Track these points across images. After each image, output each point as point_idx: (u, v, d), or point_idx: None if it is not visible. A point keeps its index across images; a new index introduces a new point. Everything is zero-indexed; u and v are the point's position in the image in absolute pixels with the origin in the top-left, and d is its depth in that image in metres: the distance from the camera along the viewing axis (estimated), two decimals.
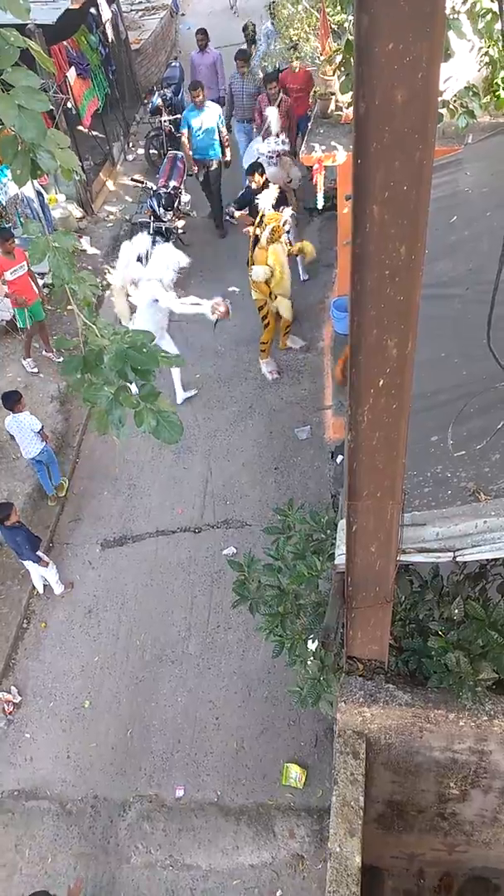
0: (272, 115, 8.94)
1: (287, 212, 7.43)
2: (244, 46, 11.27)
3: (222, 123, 9.82)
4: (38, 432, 6.75)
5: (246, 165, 9.92)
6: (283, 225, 7.31)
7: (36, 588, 6.77)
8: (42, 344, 8.69)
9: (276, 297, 7.70)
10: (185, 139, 9.86)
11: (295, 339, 8.66)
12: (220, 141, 9.84)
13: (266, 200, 7.47)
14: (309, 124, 8.02)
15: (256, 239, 7.60)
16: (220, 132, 9.77)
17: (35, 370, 8.49)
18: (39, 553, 6.33)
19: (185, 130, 9.79)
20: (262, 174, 7.97)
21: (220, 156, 9.97)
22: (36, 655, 6.43)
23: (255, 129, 10.23)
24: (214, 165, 10.01)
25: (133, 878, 5.20)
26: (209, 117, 9.60)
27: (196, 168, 10.05)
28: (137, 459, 7.84)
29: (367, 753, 3.63)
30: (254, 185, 7.95)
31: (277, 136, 8.98)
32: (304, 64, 9.76)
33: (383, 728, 3.57)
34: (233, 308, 8.91)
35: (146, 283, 7.10)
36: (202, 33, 10.89)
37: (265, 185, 7.80)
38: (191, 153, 9.92)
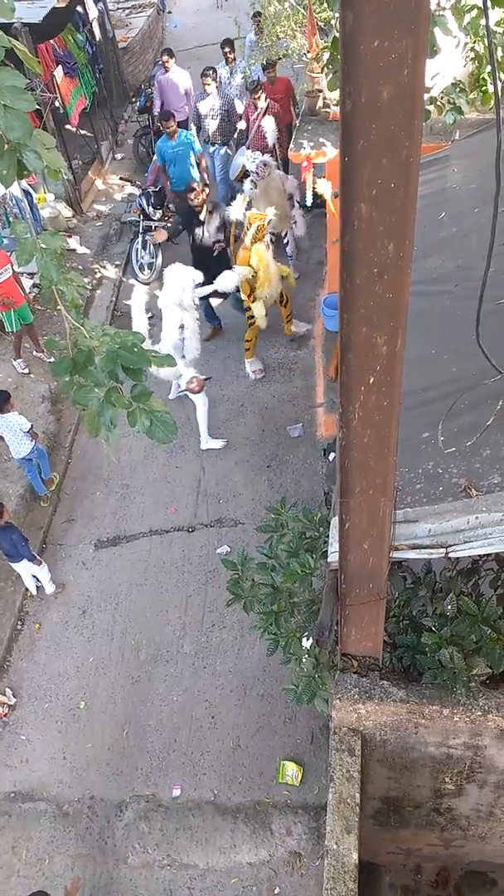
0: (268, 125, 8.73)
1: (270, 211, 7.39)
2: (228, 48, 10.53)
3: (197, 150, 9.47)
4: (28, 432, 6.73)
5: (234, 177, 9.82)
6: (267, 224, 7.27)
7: (29, 590, 6.75)
8: (32, 344, 8.66)
9: (254, 301, 7.64)
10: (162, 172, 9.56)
11: (299, 324, 8.62)
12: (199, 168, 9.50)
13: (235, 212, 7.48)
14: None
15: (236, 239, 7.58)
16: (196, 161, 9.43)
17: (26, 371, 8.46)
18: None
19: (160, 164, 9.43)
20: (202, 189, 7.83)
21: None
22: (30, 657, 6.41)
23: (230, 149, 10.02)
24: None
25: (131, 878, 5.20)
26: (184, 148, 9.22)
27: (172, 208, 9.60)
28: (130, 459, 7.82)
29: (363, 750, 3.64)
30: (195, 202, 7.78)
31: (264, 152, 8.78)
32: (281, 74, 9.56)
33: (378, 724, 3.58)
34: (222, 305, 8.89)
35: (167, 311, 6.96)
36: (168, 54, 10.30)
37: (204, 203, 7.75)
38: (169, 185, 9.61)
